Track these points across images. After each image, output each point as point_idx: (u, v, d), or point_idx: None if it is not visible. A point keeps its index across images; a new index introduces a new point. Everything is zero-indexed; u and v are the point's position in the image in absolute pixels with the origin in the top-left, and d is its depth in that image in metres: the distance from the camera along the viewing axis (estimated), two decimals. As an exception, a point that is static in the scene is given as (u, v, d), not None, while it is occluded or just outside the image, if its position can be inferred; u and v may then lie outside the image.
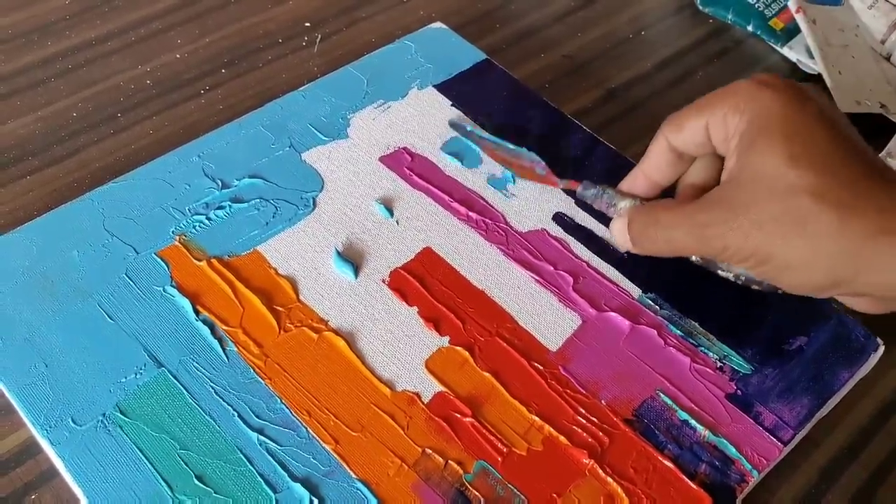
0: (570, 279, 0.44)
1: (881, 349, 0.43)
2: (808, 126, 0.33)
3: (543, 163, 0.42)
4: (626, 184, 0.40)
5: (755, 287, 0.37)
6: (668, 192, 0.40)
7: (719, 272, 0.38)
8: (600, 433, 0.39)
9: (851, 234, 0.32)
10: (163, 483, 0.35)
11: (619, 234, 0.39)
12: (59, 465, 0.36)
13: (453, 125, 0.46)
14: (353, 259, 0.43)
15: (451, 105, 0.51)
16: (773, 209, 0.33)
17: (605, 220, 0.45)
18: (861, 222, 0.31)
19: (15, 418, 0.38)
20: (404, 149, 0.48)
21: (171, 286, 0.41)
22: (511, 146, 0.43)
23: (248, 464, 0.36)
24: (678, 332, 0.42)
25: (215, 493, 0.35)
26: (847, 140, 0.33)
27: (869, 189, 0.32)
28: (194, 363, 0.39)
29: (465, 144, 0.49)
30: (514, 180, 0.48)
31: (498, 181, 0.47)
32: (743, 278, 0.38)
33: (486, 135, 0.43)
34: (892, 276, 0.32)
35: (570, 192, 0.45)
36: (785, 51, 0.60)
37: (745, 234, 0.33)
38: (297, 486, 0.36)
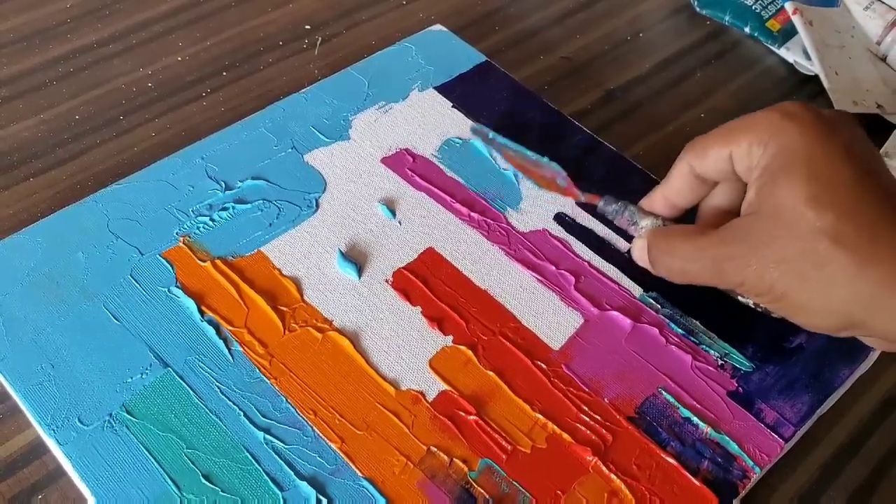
0: (572, 278, 0.44)
1: (880, 346, 0.43)
2: (831, 164, 0.32)
3: (565, 174, 0.41)
4: (647, 203, 0.40)
5: (774, 315, 0.37)
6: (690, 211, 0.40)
7: (739, 298, 0.38)
8: (603, 431, 0.39)
9: (868, 280, 0.31)
10: (170, 482, 0.36)
11: (639, 255, 0.39)
12: (66, 464, 0.36)
13: (475, 131, 0.46)
14: (356, 259, 0.44)
15: (452, 107, 0.51)
16: (791, 250, 0.32)
17: (606, 221, 0.46)
18: (879, 269, 0.31)
19: (22, 419, 0.38)
20: (406, 150, 0.49)
21: (176, 287, 0.42)
22: (532, 155, 0.42)
23: (254, 462, 0.37)
24: (679, 330, 0.43)
25: (222, 491, 0.36)
26: (872, 179, 0.32)
27: (889, 234, 0.31)
28: (200, 363, 0.39)
29: (457, 151, 0.49)
30: (518, 182, 0.48)
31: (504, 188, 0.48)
32: (763, 307, 0.37)
33: (507, 142, 0.43)
34: None
35: (590, 206, 0.44)
36: (782, 52, 0.60)
37: (762, 272, 0.33)
38: (304, 485, 0.36)
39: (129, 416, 0.37)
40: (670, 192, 0.39)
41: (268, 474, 0.36)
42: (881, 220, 0.32)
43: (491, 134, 0.44)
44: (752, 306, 0.38)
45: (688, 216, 0.40)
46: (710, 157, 0.36)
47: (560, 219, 0.47)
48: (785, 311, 0.34)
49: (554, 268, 0.44)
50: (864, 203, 0.32)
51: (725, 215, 0.36)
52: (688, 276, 0.37)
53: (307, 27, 0.59)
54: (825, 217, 0.32)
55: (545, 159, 0.42)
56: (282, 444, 0.37)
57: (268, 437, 0.37)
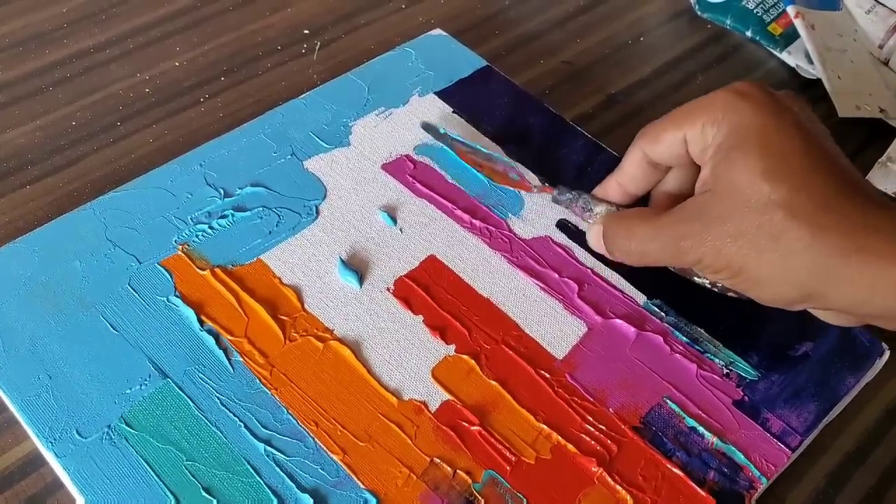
0: (576, 286, 0.44)
1: (886, 354, 0.43)
2: (784, 139, 0.33)
3: (517, 167, 0.42)
4: (600, 192, 0.41)
5: (731, 295, 0.38)
6: (643, 199, 0.40)
7: (695, 279, 0.38)
8: (608, 441, 0.39)
9: (823, 250, 0.32)
10: (170, 495, 0.35)
11: (594, 241, 0.40)
12: (64, 477, 0.36)
13: (426, 127, 0.46)
14: (357, 268, 0.43)
15: (453, 112, 0.51)
16: (747, 223, 0.33)
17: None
18: (833, 239, 0.31)
19: (19, 430, 0.38)
20: (406, 156, 0.48)
21: (175, 296, 0.41)
22: (485, 150, 0.43)
23: (255, 475, 0.36)
24: (684, 338, 0.42)
25: (223, 504, 0.35)
26: (824, 154, 0.33)
27: (842, 205, 0.32)
28: (199, 374, 0.39)
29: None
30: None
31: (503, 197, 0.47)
32: (719, 286, 0.38)
33: (459, 137, 0.43)
34: (862, 293, 0.32)
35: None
36: (784, 56, 0.60)
37: (719, 247, 0.34)
38: (306, 497, 0.36)
39: (127, 428, 0.37)
40: (624, 179, 0.39)
41: (269, 487, 0.36)
42: (834, 191, 0.32)
43: (442, 129, 0.44)
44: (710, 286, 0.38)
45: (641, 203, 0.40)
46: (663, 142, 0.37)
47: (563, 225, 0.46)
48: (743, 286, 0.35)
49: (557, 275, 0.44)
50: (816, 175, 0.32)
51: (678, 201, 0.37)
52: (646, 258, 0.37)
53: (306, 32, 0.58)
54: (779, 189, 0.32)
55: (497, 154, 0.42)
56: (283, 455, 0.37)
57: (269, 448, 0.37)
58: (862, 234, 0.31)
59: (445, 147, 0.48)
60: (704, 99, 0.35)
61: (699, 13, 0.63)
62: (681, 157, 0.37)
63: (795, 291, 0.33)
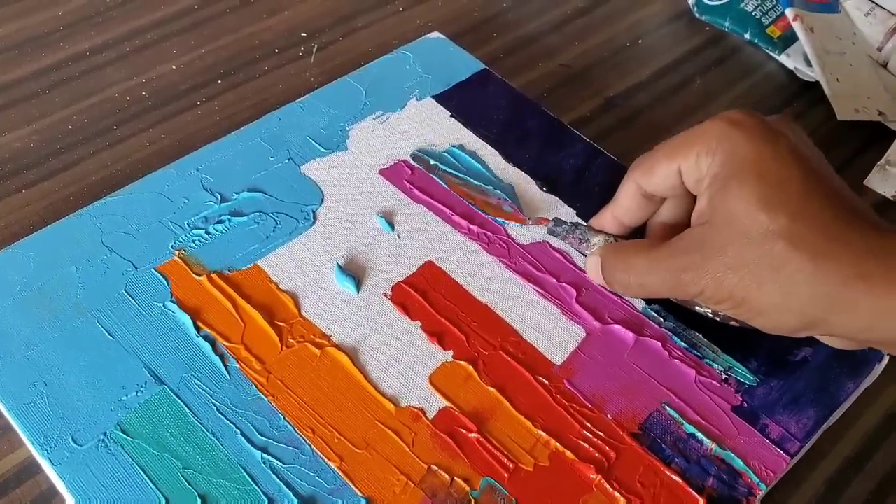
0: (574, 291, 0.43)
1: (885, 360, 0.43)
2: (780, 166, 0.33)
3: (510, 200, 0.42)
4: (596, 223, 0.41)
5: (733, 324, 0.38)
6: (639, 229, 0.40)
7: (696, 309, 0.38)
8: (607, 448, 0.38)
9: (825, 279, 0.31)
10: (165, 503, 0.35)
11: (593, 273, 0.40)
12: (59, 485, 0.36)
13: (416, 158, 0.46)
14: (354, 273, 0.43)
15: (451, 116, 0.51)
16: (747, 254, 0.32)
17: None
18: (835, 267, 0.31)
19: (14, 438, 0.38)
20: (404, 161, 0.48)
21: (172, 302, 0.41)
22: (476, 183, 0.43)
23: (252, 483, 0.36)
24: (682, 343, 0.42)
25: (219, 513, 0.35)
26: (820, 178, 0.33)
27: (843, 232, 0.32)
28: (196, 380, 0.39)
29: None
30: (516, 193, 0.47)
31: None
32: (721, 315, 0.38)
33: (450, 170, 0.43)
34: (864, 320, 0.32)
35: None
36: (782, 58, 0.60)
37: (720, 279, 0.33)
38: (302, 505, 0.35)
39: (123, 436, 0.37)
40: (619, 212, 0.39)
41: (265, 494, 0.36)
42: (833, 218, 0.32)
43: (432, 161, 0.44)
44: (712, 316, 0.38)
45: (638, 234, 0.40)
46: (657, 174, 0.36)
47: (561, 230, 0.46)
48: (745, 316, 0.35)
49: (555, 280, 0.44)
50: (815, 202, 0.32)
51: (674, 230, 0.37)
52: (646, 290, 0.37)
53: (303, 35, 0.58)
54: (778, 219, 0.32)
55: (489, 187, 0.42)
56: (280, 463, 0.36)
57: (265, 456, 0.37)
58: (863, 260, 0.31)
59: (440, 166, 0.47)
60: (697, 129, 0.35)
61: (698, 15, 0.63)
62: (675, 188, 0.36)
63: (798, 320, 0.33)
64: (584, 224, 0.41)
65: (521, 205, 0.46)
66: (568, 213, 0.47)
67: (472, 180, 0.43)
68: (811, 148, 0.35)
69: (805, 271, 0.31)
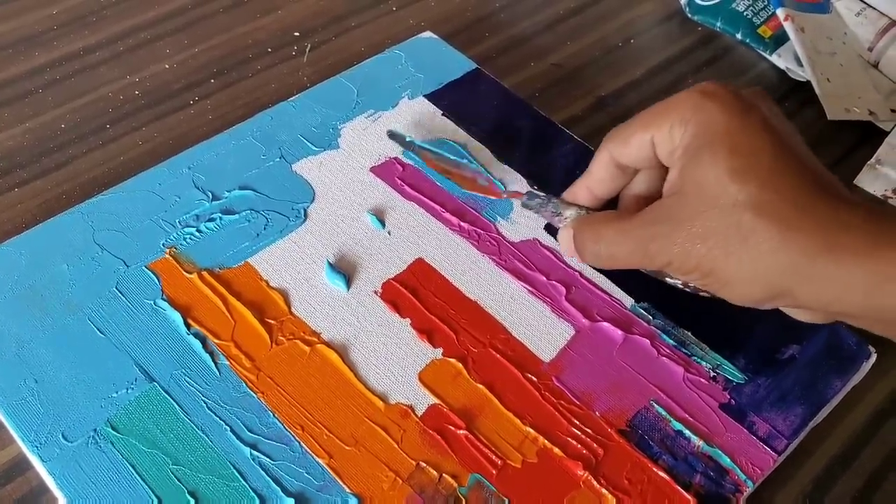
0: (563, 289, 0.44)
1: (873, 357, 0.43)
2: (752, 138, 0.33)
3: (485, 173, 0.42)
4: (569, 195, 0.41)
5: (703, 294, 0.38)
6: (612, 202, 0.40)
7: (668, 280, 0.39)
8: (595, 444, 0.39)
9: (792, 250, 0.31)
10: (155, 499, 0.35)
11: (565, 245, 0.40)
12: (49, 481, 0.36)
13: (392, 135, 0.46)
14: (345, 271, 0.43)
15: (442, 114, 0.51)
16: (715, 223, 0.33)
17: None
18: (802, 238, 0.31)
19: (4, 434, 0.38)
20: (395, 159, 0.48)
21: (162, 299, 0.41)
22: (451, 156, 0.43)
23: (241, 479, 0.36)
24: (671, 341, 0.42)
25: (208, 509, 0.35)
26: (792, 153, 0.33)
27: (811, 204, 0.32)
28: (186, 377, 0.39)
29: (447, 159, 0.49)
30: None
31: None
32: (691, 286, 0.38)
33: (426, 145, 0.44)
34: (831, 292, 0.32)
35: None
36: (773, 58, 0.60)
37: (688, 249, 0.33)
38: (291, 502, 0.36)
39: (113, 432, 0.37)
40: (592, 183, 0.39)
41: (254, 491, 0.36)
42: (802, 190, 0.32)
43: (408, 138, 0.44)
44: (682, 287, 0.39)
45: (609, 206, 0.40)
46: (631, 145, 0.37)
47: (551, 228, 0.46)
48: (713, 287, 0.35)
49: (545, 278, 0.44)
50: (784, 174, 0.32)
51: (646, 203, 0.37)
52: (616, 261, 0.37)
53: (296, 34, 0.58)
54: (747, 188, 0.32)
55: (464, 160, 0.43)
56: (269, 459, 0.37)
57: (255, 452, 0.37)
58: (831, 232, 0.31)
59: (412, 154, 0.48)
60: (671, 100, 0.35)
61: (690, 15, 0.63)
62: (649, 160, 0.36)
63: (765, 291, 0.33)
64: (557, 198, 0.41)
65: (495, 179, 0.46)
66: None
67: (447, 154, 0.43)
68: (783, 121, 0.35)
69: (772, 241, 0.32)
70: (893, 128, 0.55)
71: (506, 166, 0.48)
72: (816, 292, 0.32)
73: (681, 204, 0.34)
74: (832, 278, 0.31)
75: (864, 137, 0.56)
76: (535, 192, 0.41)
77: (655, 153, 0.36)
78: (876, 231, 0.31)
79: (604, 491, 0.37)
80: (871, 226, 0.31)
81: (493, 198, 0.45)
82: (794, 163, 0.33)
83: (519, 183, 0.48)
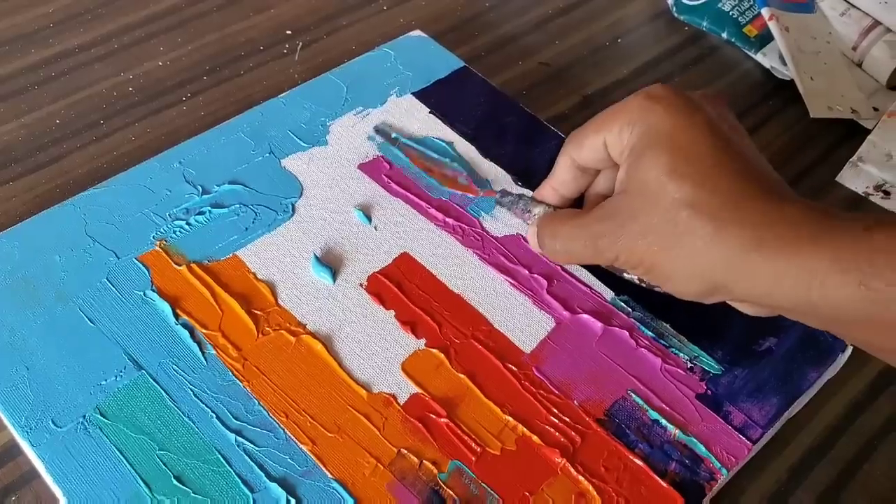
0: (545, 282, 0.45)
1: (849, 350, 0.44)
2: (693, 139, 0.34)
3: (465, 173, 0.44)
4: (538, 195, 0.42)
5: (657, 289, 0.38)
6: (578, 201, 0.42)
7: (625, 275, 0.40)
8: (572, 433, 0.39)
9: (725, 246, 0.33)
10: (142, 483, 0.36)
11: (532, 241, 0.41)
12: (39, 466, 0.37)
13: (379, 131, 0.47)
14: (331, 264, 0.44)
15: (430, 112, 0.52)
16: (655, 221, 0.34)
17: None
18: (735, 234, 0.33)
19: (-4, 421, 0.39)
20: (382, 156, 0.49)
21: (152, 290, 0.42)
22: (435, 155, 0.45)
23: (225, 464, 0.37)
24: (650, 333, 0.43)
25: (193, 493, 0.36)
26: (733, 152, 0.34)
27: (745, 202, 0.33)
28: (174, 366, 0.40)
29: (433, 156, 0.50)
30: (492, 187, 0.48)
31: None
32: (646, 282, 0.39)
33: (410, 143, 0.45)
34: (763, 286, 0.33)
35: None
36: (759, 57, 0.61)
37: (631, 245, 0.35)
38: (274, 486, 0.36)
39: (102, 418, 0.38)
40: (556, 183, 0.41)
41: (239, 476, 0.37)
42: (738, 189, 0.33)
43: (394, 134, 0.45)
44: (638, 282, 0.40)
45: (577, 205, 0.42)
46: (586, 147, 0.38)
47: (534, 223, 0.47)
48: (657, 282, 0.36)
49: (527, 272, 0.45)
50: (722, 174, 0.33)
51: None
52: (571, 256, 0.39)
53: (288, 32, 0.59)
54: (684, 187, 0.33)
55: (446, 160, 0.44)
56: (253, 446, 0.38)
57: (239, 439, 0.38)
58: (762, 229, 0.32)
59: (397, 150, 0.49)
60: (621, 103, 0.37)
61: (676, 15, 0.64)
62: (604, 161, 0.38)
63: (702, 285, 0.34)
64: (529, 196, 0.42)
65: (479, 179, 0.47)
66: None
67: (431, 153, 0.45)
68: (730, 122, 0.36)
69: (706, 238, 0.33)
70: (875, 126, 0.56)
71: (492, 163, 0.49)
72: (750, 287, 0.33)
73: (626, 202, 0.35)
74: (763, 273, 0.32)
75: (847, 135, 0.57)
76: (508, 190, 0.43)
77: (609, 154, 0.37)
78: (811, 228, 0.32)
79: (581, 478, 0.38)
80: (806, 223, 0.32)
81: (472, 196, 0.46)
82: (734, 163, 0.34)
83: (504, 180, 0.49)
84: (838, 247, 0.31)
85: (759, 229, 0.32)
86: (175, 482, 0.36)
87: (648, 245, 0.34)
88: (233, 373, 0.40)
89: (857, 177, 0.54)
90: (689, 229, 0.33)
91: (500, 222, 0.47)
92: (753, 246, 0.32)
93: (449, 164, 0.44)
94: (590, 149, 0.38)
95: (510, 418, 0.40)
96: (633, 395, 0.41)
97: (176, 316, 0.41)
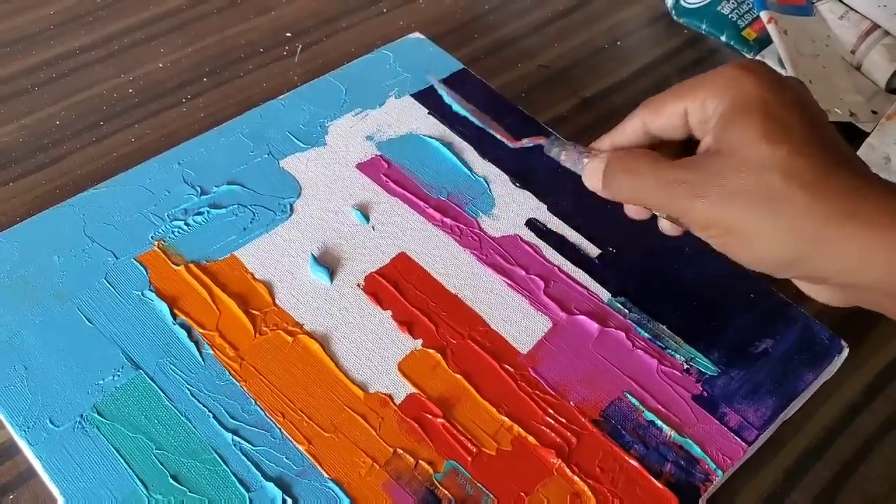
0: (542, 283, 0.45)
1: (845, 351, 0.44)
2: (785, 111, 0.34)
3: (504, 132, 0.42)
4: (594, 146, 0.40)
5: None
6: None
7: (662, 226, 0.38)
8: (568, 433, 0.39)
9: (817, 215, 0.32)
10: (139, 482, 0.36)
11: (591, 175, 0.39)
12: (37, 465, 0.37)
13: (439, 87, 0.45)
14: (328, 264, 0.44)
15: (428, 113, 0.52)
16: (744, 182, 0.33)
17: (573, 221, 0.48)
18: (827, 205, 0.32)
19: (-6, 420, 0.39)
20: (381, 156, 0.49)
21: (150, 290, 0.42)
22: (478, 122, 0.43)
23: (222, 463, 0.37)
24: (646, 334, 0.43)
25: (190, 492, 0.36)
26: (822, 128, 0.34)
27: (839, 173, 0.32)
28: (171, 366, 0.40)
29: (432, 157, 0.50)
30: (489, 188, 0.49)
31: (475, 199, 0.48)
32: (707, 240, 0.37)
33: (462, 110, 0.43)
34: (849, 260, 0.32)
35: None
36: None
37: (713, 201, 0.34)
38: (270, 486, 0.37)
39: (99, 418, 0.38)
40: (619, 141, 0.40)
41: (235, 475, 0.37)
42: (831, 160, 0.33)
43: (455, 107, 0.44)
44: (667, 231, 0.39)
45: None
46: (664, 114, 0.37)
47: (532, 224, 0.47)
48: (730, 246, 0.35)
49: (524, 272, 0.45)
50: (814, 143, 0.33)
51: None
52: (637, 195, 0.37)
53: (288, 34, 0.60)
54: (779, 151, 0.33)
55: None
56: (250, 445, 0.38)
57: (236, 438, 0.38)
58: (854, 199, 0.32)
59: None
60: (708, 74, 0.36)
61: (676, 18, 0.64)
62: (679, 130, 0.37)
63: (783, 254, 0.34)
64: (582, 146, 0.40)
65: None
66: (540, 208, 0.48)
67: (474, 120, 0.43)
68: (813, 102, 0.36)
69: (797, 205, 0.32)
70: (874, 129, 0.56)
71: (489, 164, 0.50)
72: (835, 260, 0.33)
73: (714, 160, 0.34)
74: (853, 247, 0.32)
75: (845, 138, 0.56)
76: (557, 138, 0.41)
77: (687, 123, 0.37)
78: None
79: (576, 478, 0.38)
80: (890, 199, 0.32)
81: (512, 145, 0.43)
82: (824, 136, 0.33)
83: (502, 181, 0.49)
84: None
85: (852, 201, 0.32)
86: (172, 481, 0.36)
87: (731, 205, 0.34)
88: (230, 372, 0.40)
89: (855, 179, 0.54)
90: (783, 195, 0.32)
91: (499, 222, 0.47)
92: (846, 217, 0.32)
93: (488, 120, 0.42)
94: (669, 115, 0.37)
95: (506, 419, 0.40)
96: (629, 396, 0.41)
97: (174, 316, 0.41)
